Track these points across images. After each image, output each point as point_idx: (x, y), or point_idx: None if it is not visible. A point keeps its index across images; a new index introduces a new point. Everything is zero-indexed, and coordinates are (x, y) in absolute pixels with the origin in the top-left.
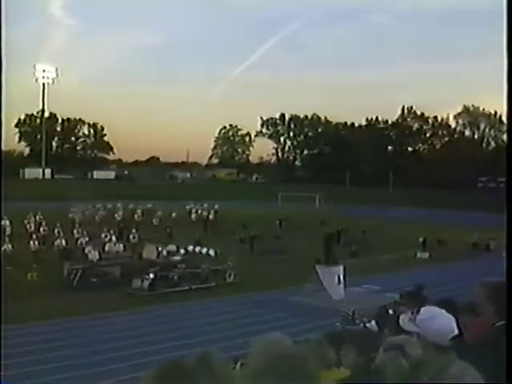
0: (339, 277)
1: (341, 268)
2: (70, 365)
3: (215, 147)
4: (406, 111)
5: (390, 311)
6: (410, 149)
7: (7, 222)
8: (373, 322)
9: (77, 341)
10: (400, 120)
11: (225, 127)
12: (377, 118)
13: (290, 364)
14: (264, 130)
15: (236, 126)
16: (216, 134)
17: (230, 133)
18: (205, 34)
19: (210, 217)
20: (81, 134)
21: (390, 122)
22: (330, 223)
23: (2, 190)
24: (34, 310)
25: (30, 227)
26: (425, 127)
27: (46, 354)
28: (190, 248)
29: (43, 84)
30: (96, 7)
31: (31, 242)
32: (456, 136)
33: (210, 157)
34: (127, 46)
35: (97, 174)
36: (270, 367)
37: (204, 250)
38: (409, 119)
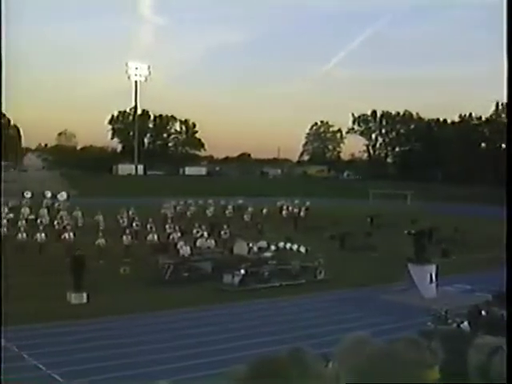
0: (431, 275)
1: (433, 267)
2: (152, 360)
3: (306, 144)
4: (500, 107)
5: (483, 312)
6: (504, 146)
7: (100, 217)
8: (465, 322)
9: (163, 335)
10: (494, 116)
11: (316, 124)
12: (470, 114)
13: (381, 363)
14: (355, 127)
15: (327, 123)
16: (307, 131)
17: (322, 129)
18: (293, 30)
19: (301, 213)
20: (173, 130)
21: (483, 119)
22: (421, 221)
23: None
24: (125, 304)
25: (123, 222)
26: None
27: (128, 348)
28: (281, 244)
29: (135, 81)
30: (183, 5)
31: (124, 237)
32: None
33: (301, 153)
34: (215, 43)
35: (188, 170)
36: (360, 366)
37: (294, 247)
38: (503, 115)
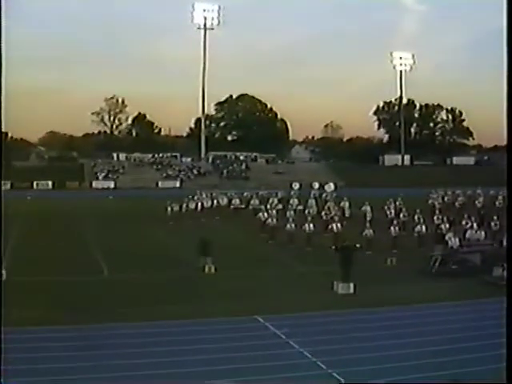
0: None
1: None
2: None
3: None
4: None
5: None
6: None
7: (368, 208)
8: None
9: (427, 328)
10: None
11: None
12: None
13: None
14: None
15: None
16: None
17: None
18: None
19: None
20: (439, 119)
21: None
22: None
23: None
24: (392, 295)
25: (390, 213)
26: None
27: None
28: None
29: (400, 71)
30: None
31: (391, 228)
32: None
33: None
34: (478, 30)
35: (456, 160)
36: None
37: None
38: None
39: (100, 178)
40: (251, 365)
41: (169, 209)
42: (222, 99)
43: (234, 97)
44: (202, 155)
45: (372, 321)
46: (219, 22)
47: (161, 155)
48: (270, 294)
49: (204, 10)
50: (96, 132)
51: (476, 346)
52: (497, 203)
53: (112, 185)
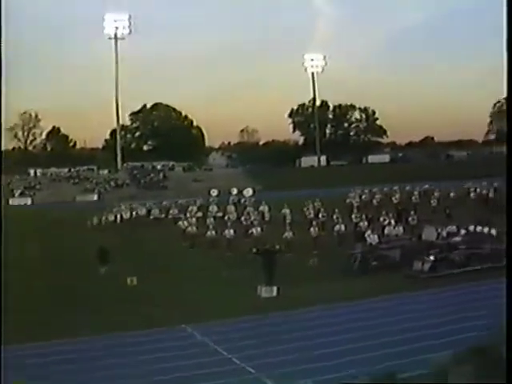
0: None
1: None
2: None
3: (491, 123)
4: None
5: None
6: None
7: (287, 211)
8: None
9: (353, 325)
10: None
11: (499, 102)
12: None
13: None
14: None
15: None
16: (490, 110)
17: (504, 107)
18: (473, 7)
19: (490, 195)
20: (353, 119)
21: None
22: None
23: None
24: (315, 295)
25: (309, 214)
26: None
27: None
28: (471, 228)
29: (312, 73)
30: None
31: (311, 229)
32: None
33: (486, 133)
34: (387, 31)
35: (371, 158)
36: None
37: (485, 230)
38: None
39: (16, 194)
40: (182, 374)
41: (88, 222)
42: (137, 109)
43: (149, 106)
44: (119, 167)
45: (296, 321)
46: (130, 31)
47: (77, 169)
48: (193, 302)
49: (115, 21)
50: (10, 148)
51: (399, 340)
52: (413, 198)
53: (29, 201)
